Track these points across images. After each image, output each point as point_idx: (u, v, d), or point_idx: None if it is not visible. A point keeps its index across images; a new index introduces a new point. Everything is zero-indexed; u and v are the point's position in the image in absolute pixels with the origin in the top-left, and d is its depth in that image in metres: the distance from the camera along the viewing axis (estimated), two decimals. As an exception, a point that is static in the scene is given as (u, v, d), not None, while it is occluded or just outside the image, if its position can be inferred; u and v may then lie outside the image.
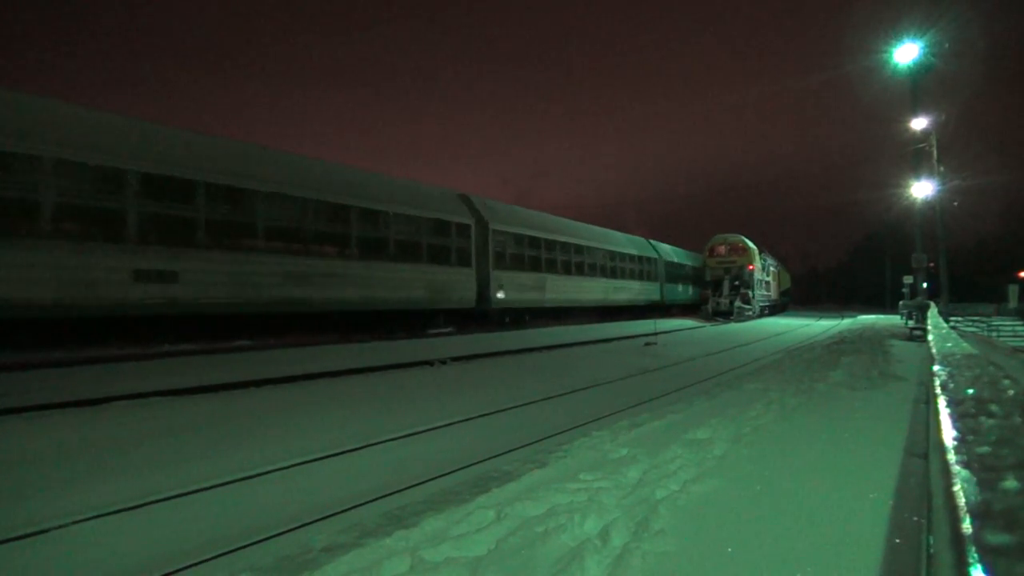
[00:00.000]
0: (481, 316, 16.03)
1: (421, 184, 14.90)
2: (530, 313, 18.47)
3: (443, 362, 10.93)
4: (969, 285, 44.48)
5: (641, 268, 25.68)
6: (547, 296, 18.18)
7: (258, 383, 7.97)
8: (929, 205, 20.96)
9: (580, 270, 20.35)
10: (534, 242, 17.78)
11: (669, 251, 30.11)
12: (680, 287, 30.65)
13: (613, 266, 22.78)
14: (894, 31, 17.76)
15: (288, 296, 10.41)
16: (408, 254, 12.95)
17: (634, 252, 25.06)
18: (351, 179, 12.30)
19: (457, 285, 14.30)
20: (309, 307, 10.73)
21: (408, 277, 12.84)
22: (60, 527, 3.58)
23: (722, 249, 31.24)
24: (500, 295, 15.88)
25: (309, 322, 11.62)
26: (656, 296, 27.23)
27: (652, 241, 28.79)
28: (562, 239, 19.27)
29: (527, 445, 5.53)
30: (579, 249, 20.37)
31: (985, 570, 0.57)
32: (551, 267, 18.58)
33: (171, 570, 3.09)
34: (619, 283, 23.38)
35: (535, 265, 17.77)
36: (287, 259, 10.43)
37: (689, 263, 32.30)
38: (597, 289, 21.50)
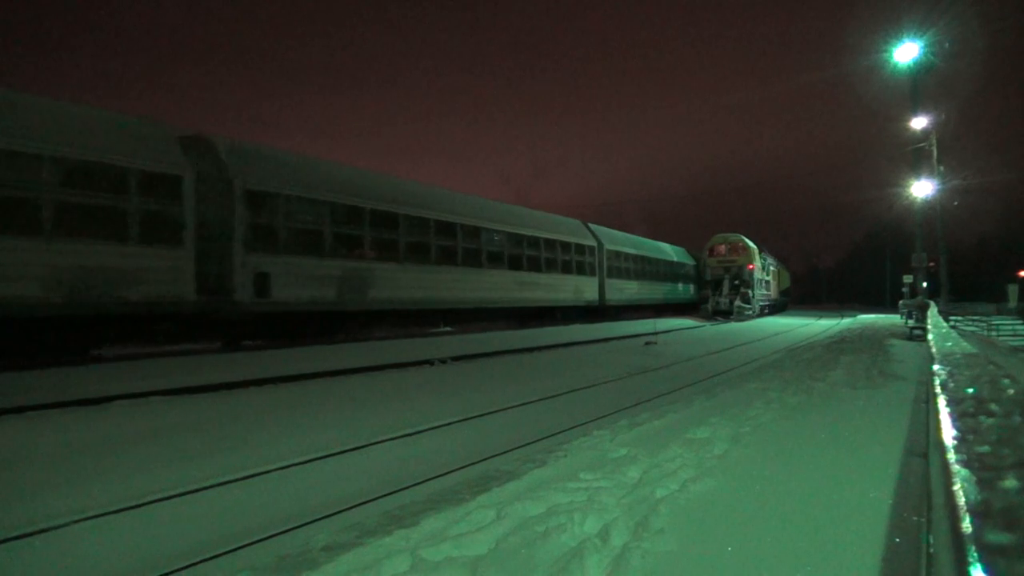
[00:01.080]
0: (208, 324, 10.15)
1: (67, 104, 8.64)
2: (366, 316, 12.80)
3: (443, 361, 10.94)
4: (969, 284, 44.49)
5: (569, 259, 19.67)
6: (374, 295, 12.37)
7: (259, 382, 7.98)
8: (929, 204, 20.98)
9: (450, 258, 14.48)
10: (354, 214, 12.02)
11: (617, 238, 24.02)
12: (635, 285, 24.81)
13: (518, 254, 17.07)
14: (894, 30, 17.78)
15: None
16: None
17: (559, 237, 19.16)
18: None
19: (126, 274, 8.61)
20: None
21: None
22: (60, 527, 3.58)
23: (722, 248, 31.25)
24: (256, 292, 10.21)
25: None
26: (592, 295, 21.15)
27: (591, 225, 22.52)
28: (413, 212, 13.42)
29: (527, 444, 5.54)
30: (448, 228, 14.42)
31: (985, 570, 0.57)
32: (387, 252, 12.73)
33: (171, 570, 3.09)
34: (530, 277, 17.56)
35: (351, 248, 11.93)
36: None
37: (654, 256, 26.99)
38: (489, 285, 15.80)
